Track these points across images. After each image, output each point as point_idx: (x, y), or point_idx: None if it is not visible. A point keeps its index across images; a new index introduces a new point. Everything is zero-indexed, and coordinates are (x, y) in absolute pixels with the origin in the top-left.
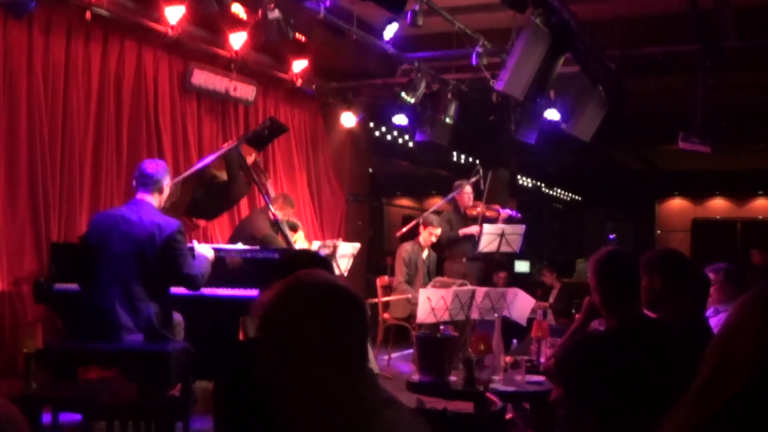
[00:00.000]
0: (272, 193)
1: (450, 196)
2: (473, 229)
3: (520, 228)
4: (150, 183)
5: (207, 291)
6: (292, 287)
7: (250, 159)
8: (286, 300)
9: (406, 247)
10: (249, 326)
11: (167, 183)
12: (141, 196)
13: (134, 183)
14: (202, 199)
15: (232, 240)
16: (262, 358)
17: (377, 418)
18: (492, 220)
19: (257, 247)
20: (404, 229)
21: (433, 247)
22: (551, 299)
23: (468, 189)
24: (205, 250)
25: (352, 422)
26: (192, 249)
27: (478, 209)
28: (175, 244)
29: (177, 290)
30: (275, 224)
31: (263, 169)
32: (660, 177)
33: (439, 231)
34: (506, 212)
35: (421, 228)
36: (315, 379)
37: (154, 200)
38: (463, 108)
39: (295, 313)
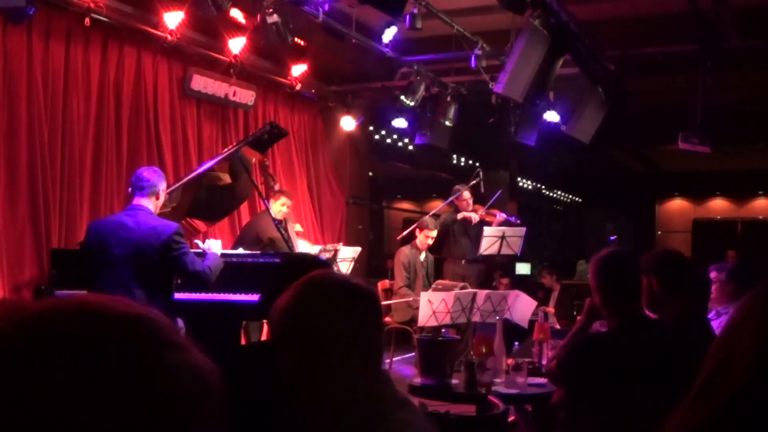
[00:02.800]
0: (296, 230)
1: (449, 200)
2: (472, 215)
3: (521, 230)
4: (146, 187)
5: (208, 296)
6: (311, 286)
7: (254, 161)
8: (307, 299)
9: (404, 252)
10: (251, 331)
11: (163, 189)
12: (137, 201)
13: (130, 189)
14: (205, 200)
15: (236, 245)
16: (286, 358)
17: (392, 417)
18: (489, 224)
19: (258, 252)
20: (405, 233)
21: (432, 249)
22: (551, 302)
23: (467, 195)
24: (213, 245)
25: (369, 418)
26: (202, 252)
27: (478, 213)
28: (175, 245)
29: (178, 295)
30: (277, 226)
31: (271, 173)
32: (660, 177)
33: (434, 233)
34: (501, 216)
35: (417, 231)
36: (340, 375)
37: (151, 205)
38: (463, 110)
39: (319, 310)
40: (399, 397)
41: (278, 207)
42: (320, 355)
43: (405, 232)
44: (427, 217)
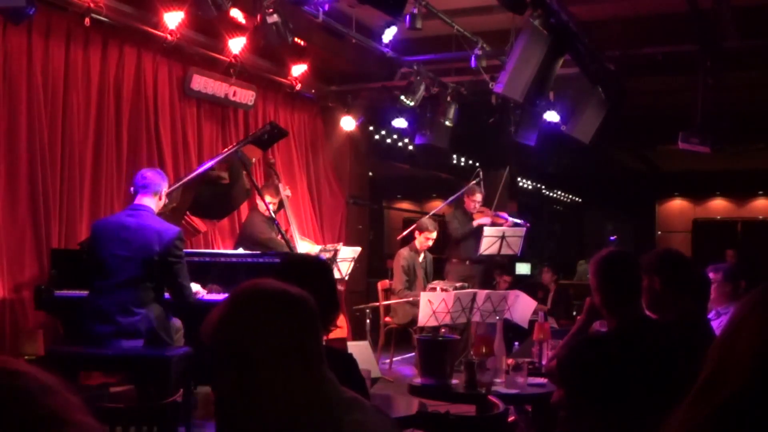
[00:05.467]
0: (285, 193)
1: (456, 195)
2: (485, 220)
3: (521, 230)
4: (149, 186)
5: (207, 296)
6: (241, 298)
7: (254, 161)
8: (239, 311)
9: (403, 254)
10: None
11: (165, 190)
12: (140, 200)
13: (132, 189)
14: (206, 200)
15: (237, 245)
16: (222, 373)
17: (345, 419)
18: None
19: (258, 252)
20: (404, 233)
21: (434, 249)
22: (549, 303)
23: (478, 197)
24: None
25: (321, 423)
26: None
27: (486, 215)
28: (174, 251)
29: None
30: (271, 221)
31: (276, 171)
32: (660, 177)
33: (434, 234)
34: (512, 221)
35: (417, 233)
36: (281, 384)
37: (153, 205)
38: (463, 110)
39: (251, 322)
40: (348, 398)
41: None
42: (256, 367)
43: (405, 233)
44: (425, 218)
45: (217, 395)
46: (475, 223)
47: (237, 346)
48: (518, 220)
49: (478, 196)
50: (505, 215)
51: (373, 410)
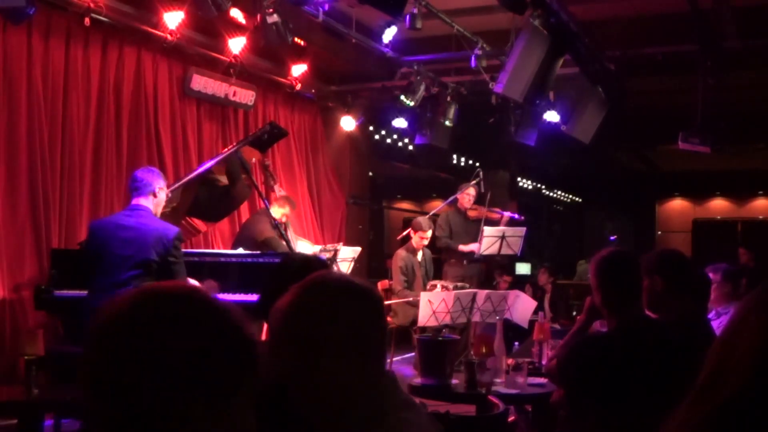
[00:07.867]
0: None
1: (452, 198)
2: (472, 247)
3: (521, 230)
4: (142, 187)
5: None
6: (312, 287)
7: (253, 161)
8: (307, 299)
9: (401, 254)
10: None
11: (160, 186)
12: (137, 201)
13: (129, 190)
14: (205, 200)
15: (236, 245)
16: (283, 358)
17: (392, 417)
18: (494, 223)
19: (258, 252)
20: (403, 233)
21: (432, 249)
22: (546, 304)
23: (471, 191)
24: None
25: (368, 418)
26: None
27: (479, 212)
28: (174, 251)
29: None
30: (276, 226)
31: (272, 173)
32: (660, 177)
33: (429, 234)
34: (507, 215)
35: (411, 233)
36: (337, 374)
37: (150, 204)
38: (463, 110)
39: (318, 311)
40: (403, 398)
41: (278, 212)
42: (314, 356)
43: (404, 233)
44: (420, 218)
45: (273, 381)
46: (461, 249)
47: (301, 332)
48: (513, 215)
49: (471, 190)
50: (500, 210)
51: (425, 414)
